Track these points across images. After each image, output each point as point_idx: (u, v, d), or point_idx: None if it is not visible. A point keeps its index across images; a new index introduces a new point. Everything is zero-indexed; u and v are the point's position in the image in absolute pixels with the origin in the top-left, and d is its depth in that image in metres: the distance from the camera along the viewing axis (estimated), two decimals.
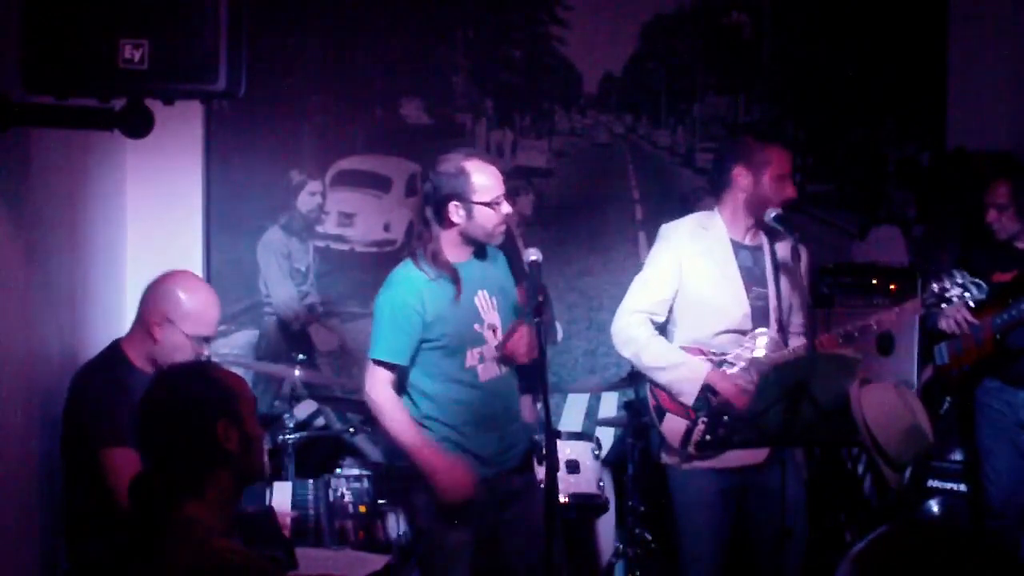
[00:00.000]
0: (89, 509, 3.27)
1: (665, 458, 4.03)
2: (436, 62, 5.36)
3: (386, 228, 5.26)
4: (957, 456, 5.18)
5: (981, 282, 3.95)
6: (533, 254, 3.54)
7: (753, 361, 3.91)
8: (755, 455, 3.92)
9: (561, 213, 5.43)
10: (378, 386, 3.57)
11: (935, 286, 3.97)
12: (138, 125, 2.62)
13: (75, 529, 3.33)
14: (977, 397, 4.78)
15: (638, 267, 5.35)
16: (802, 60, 5.58)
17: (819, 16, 5.58)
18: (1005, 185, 4.61)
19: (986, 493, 4.75)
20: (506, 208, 3.59)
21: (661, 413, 3.99)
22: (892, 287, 5.16)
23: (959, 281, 3.94)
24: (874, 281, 5.18)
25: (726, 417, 3.92)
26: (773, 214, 3.91)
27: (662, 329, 4.03)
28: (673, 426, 3.96)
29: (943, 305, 4.01)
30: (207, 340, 3.40)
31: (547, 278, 3.60)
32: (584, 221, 5.43)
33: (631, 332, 3.97)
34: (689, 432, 3.94)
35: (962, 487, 5.01)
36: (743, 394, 3.83)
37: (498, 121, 5.42)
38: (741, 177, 3.95)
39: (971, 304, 4.02)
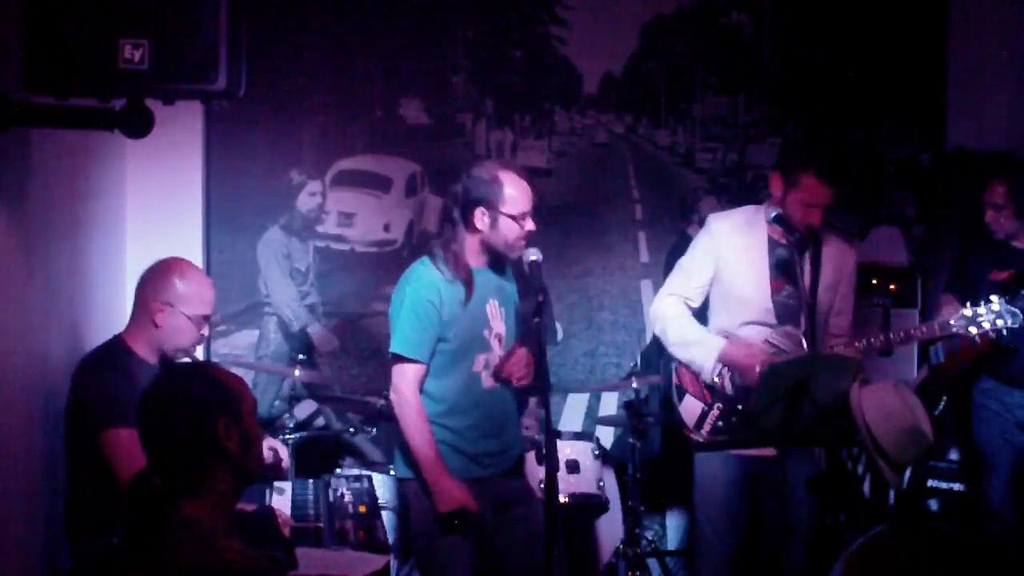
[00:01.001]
0: (93, 503, 3.28)
1: (692, 436, 4.10)
2: (436, 62, 5.36)
3: (386, 228, 5.26)
4: (953, 456, 5.19)
5: (1017, 311, 3.93)
6: (533, 254, 3.55)
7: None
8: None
9: (561, 213, 5.43)
10: (405, 386, 3.57)
11: (968, 310, 3.97)
12: (138, 125, 2.62)
13: (79, 525, 3.34)
14: (974, 398, 4.78)
15: (638, 267, 5.39)
16: (802, 60, 5.58)
17: (819, 16, 5.58)
18: (1003, 185, 4.62)
19: (984, 494, 4.75)
20: (530, 225, 3.60)
21: (681, 393, 4.09)
22: (892, 287, 5.17)
23: (995, 308, 3.94)
24: (874, 281, 5.18)
25: (740, 406, 3.95)
26: (773, 213, 3.93)
27: (700, 315, 4.11)
28: (690, 408, 4.06)
29: (971, 329, 3.99)
30: (206, 319, 3.46)
31: (547, 278, 3.61)
32: (584, 221, 5.43)
33: (662, 311, 4.11)
34: (704, 415, 4.02)
35: (962, 487, 5.01)
36: (755, 357, 3.88)
37: (498, 121, 5.42)
38: (775, 184, 4.01)
39: (1004, 332, 3.99)
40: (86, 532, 3.31)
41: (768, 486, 4.01)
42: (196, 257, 4.96)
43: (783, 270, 4.01)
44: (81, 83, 2.50)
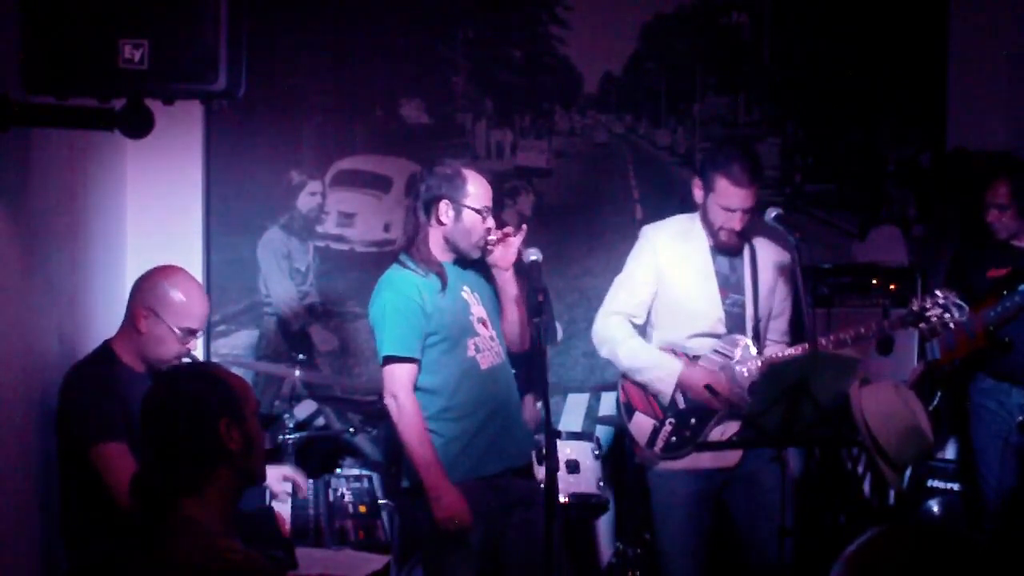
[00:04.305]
0: (86, 509, 3.27)
1: (638, 459, 4.06)
2: (436, 62, 5.36)
3: (386, 228, 5.26)
4: (950, 454, 5.19)
5: (963, 304, 3.94)
6: (533, 254, 3.58)
7: (726, 366, 3.94)
8: (727, 458, 3.93)
9: (561, 213, 5.43)
10: (401, 390, 3.57)
11: (915, 305, 3.98)
12: (138, 125, 2.62)
13: (73, 530, 3.33)
14: (972, 397, 4.78)
15: None
16: (802, 60, 5.58)
17: (819, 16, 5.58)
18: (1005, 185, 4.62)
19: (981, 494, 4.75)
20: (490, 223, 3.65)
21: (630, 411, 4.02)
22: (892, 287, 5.17)
23: (940, 301, 3.94)
24: (874, 281, 5.19)
25: (693, 420, 3.93)
26: (773, 214, 3.92)
27: (641, 331, 4.05)
28: (641, 425, 4.00)
29: (921, 325, 3.99)
30: (192, 333, 3.38)
31: (547, 278, 3.61)
32: (584, 221, 5.43)
33: (608, 332, 4.02)
34: (656, 432, 3.96)
35: (961, 487, 5.01)
36: (718, 385, 3.87)
37: (498, 121, 5.42)
38: (696, 189, 3.98)
39: (951, 325, 3.99)
40: (81, 537, 3.30)
41: (735, 494, 3.99)
42: (196, 257, 4.97)
43: (727, 279, 3.99)
44: (81, 83, 2.50)
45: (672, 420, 3.95)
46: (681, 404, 3.95)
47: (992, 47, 5.53)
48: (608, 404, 5.33)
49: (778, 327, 4.07)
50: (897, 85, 5.56)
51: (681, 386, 3.92)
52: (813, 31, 5.58)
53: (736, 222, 3.87)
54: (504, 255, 3.69)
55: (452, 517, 3.50)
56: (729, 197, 3.84)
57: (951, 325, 3.96)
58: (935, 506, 5.04)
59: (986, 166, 5.04)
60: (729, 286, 3.99)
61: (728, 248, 3.98)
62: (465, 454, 3.61)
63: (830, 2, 5.59)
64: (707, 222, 3.96)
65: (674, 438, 3.95)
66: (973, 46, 5.55)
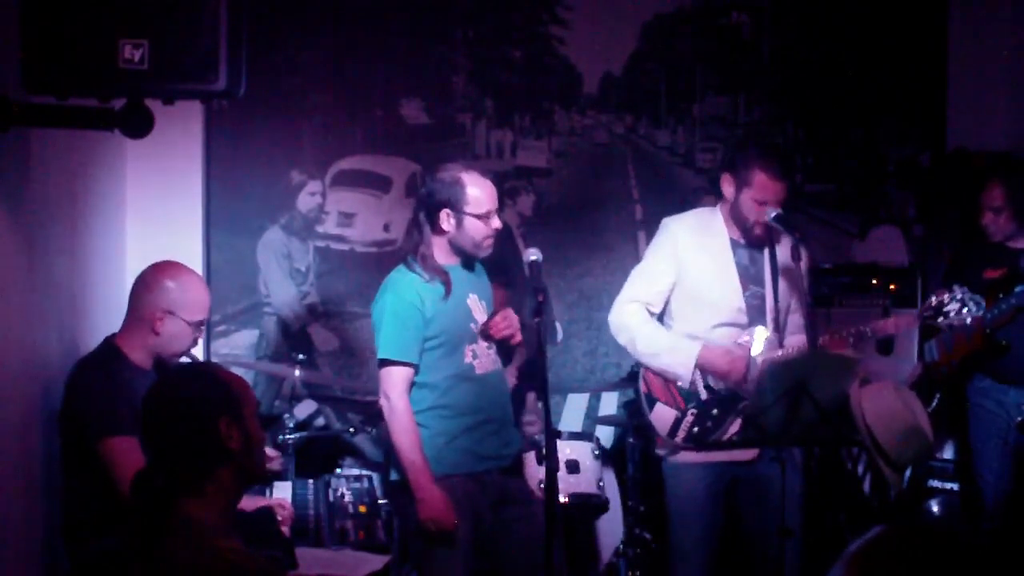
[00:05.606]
0: (89, 507, 3.28)
1: (659, 449, 4.08)
2: (436, 62, 5.36)
3: (386, 228, 5.26)
4: (949, 454, 5.19)
5: (980, 299, 3.97)
6: (533, 254, 3.58)
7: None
8: (744, 452, 3.94)
9: (561, 213, 5.43)
10: (394, 392, 3.60)
11: (933, 299, 4.00)
12: (138, 125, 2.63)
13: (75, 528, 3.33)
14: (969, 397, 4.78)
15: None
16: (802, 60, 5.58)
17: (819, 16, 5.58)
18: (999, 187, 4.62)
19: (980, 493, 4.75)
20: (496, 223, 3.66)
21: (651, 402, 4.04)
22: (892, 287, 5.17)
23: (958, 297, 3.96)
24: (874, 281, 5.19)
25: (715, 411, 3.94)
26: (773, 214, 3.94)
27: (660, 322, 4.08)
28: (662, 415, 4.02)
29: (939, 319, 4.01)
30: (202, 324, 3.50)
31: (547, 278, 3.62)
32: (584, 221, 5.43)
33: (626, 320, 4.05)
34: (677, 422, 3.99)
35: (959, 487, 5.01)
36: (736, 362, 3.90)
37: (498, 121, 5.41)
38: (726, 184, 4.02)
39: (968, 321, 4.01)
40: (83, 535, 3.30)
41: (745, 490, 4.01)
42: (196, 257, 4.97)
43: (746, 270, 4.02)
44: (81, 83, 2.51)
45: (694, 411, 3.98)
46: (703, 395, 3.98)
47: (992, 47, 5.53)
48: (608, 404, 5.33)
49: (796, 320, 4.09)
50: (897, 85, 5.56)
51: (700, 368, 3.95)
52: (813, 31, 5.58)
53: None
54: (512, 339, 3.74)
55: (434, 519, 3.51)
56: (766, 191, 3.92)
57: (968, 321, 3.99)
58: (935, 506, 5.04)
59: (986, 166, 5.04)
60: (749, 278, 4.02)
61: (750, 242, 4.02)
62: (450, 448, 3.63)
63: (830, 2, 5.59)
64: (737, 217, 4.00)
65: (696, 428, 3.97)
66: (973, 46, 5.55)
